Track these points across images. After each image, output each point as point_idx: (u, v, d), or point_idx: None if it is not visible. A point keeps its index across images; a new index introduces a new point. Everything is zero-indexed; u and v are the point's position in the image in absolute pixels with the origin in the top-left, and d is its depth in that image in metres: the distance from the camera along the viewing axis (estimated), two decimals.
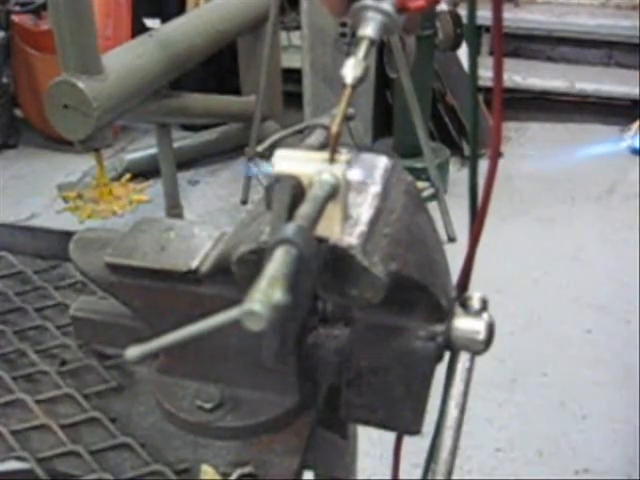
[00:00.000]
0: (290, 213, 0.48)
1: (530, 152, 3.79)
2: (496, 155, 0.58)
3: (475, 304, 0.62)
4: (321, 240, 0.52)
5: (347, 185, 0.51)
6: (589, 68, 4.27)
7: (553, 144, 3.90)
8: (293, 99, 3.62)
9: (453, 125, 3.62)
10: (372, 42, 0.55)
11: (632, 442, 2.05)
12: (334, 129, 0.52)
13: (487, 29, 3.88)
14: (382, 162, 0.63)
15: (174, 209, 2.95)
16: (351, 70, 0.53)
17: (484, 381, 2.17)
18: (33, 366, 0.82)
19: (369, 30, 0.55)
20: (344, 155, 0.51)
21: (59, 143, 3.51)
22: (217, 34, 2.95)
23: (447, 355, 0.62)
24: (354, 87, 0.53)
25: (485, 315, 0.62)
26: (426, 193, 2.92)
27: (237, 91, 3.61)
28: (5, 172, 3.66)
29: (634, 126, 3.86)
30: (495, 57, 0.57)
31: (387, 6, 0.55)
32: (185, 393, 0.70)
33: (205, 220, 3.23)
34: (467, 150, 3.61)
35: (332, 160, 0.51)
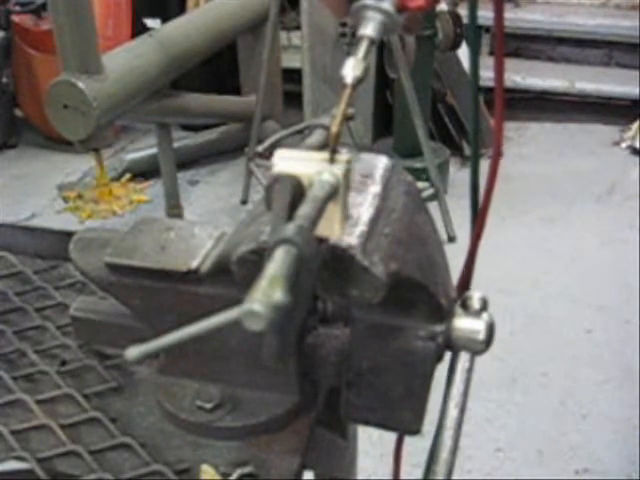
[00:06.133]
0: (290, 213, 0.48)
1: (530, 152, 3.79)
2: (497, 155, 0.58)
3: (475, 304, 0.62)
4: (321, 240, 0.52)
5: (347, 185, 0.51)
6: (589, 68, 4.26)
7: (553, 144, 3.90)
8: (293, 99, 3.62)
9: (453, 125, 3.62)
10: (372, 42, 0.55)
11: (632, 442, 2.05)
12: (334, 129, 0.52)
13: (487, 29, 3.87)
14: (382, 162, 0.63)
15: (174, 209, 2.95)
16: (351, 70, 0.53)
17: (484, 381, 2.17)
18: (33, 366, 0.82)
19: (369, 30, 0.55)
20: (344, 155, 0.51)
21: (59, 143, 3.51)
22: (217, 34, 2.95)
23: (447, 355, 0.62)
24: (354, 87, 0.53)
25: (485, 315, 0.62)
26: (426, 193, 2.92)
27: (237, 91, 3.61)
28: (5, 172, 3.66)
29: (634, 126, 3.86)
30: (496, 59, 0.57)
31: (387, 6, 0.55)
32: (185, 393, 0.70)
33: (205, 220, 3.22)
34: (467, 150, 3.61)
35: (332, 160, 0.51)
